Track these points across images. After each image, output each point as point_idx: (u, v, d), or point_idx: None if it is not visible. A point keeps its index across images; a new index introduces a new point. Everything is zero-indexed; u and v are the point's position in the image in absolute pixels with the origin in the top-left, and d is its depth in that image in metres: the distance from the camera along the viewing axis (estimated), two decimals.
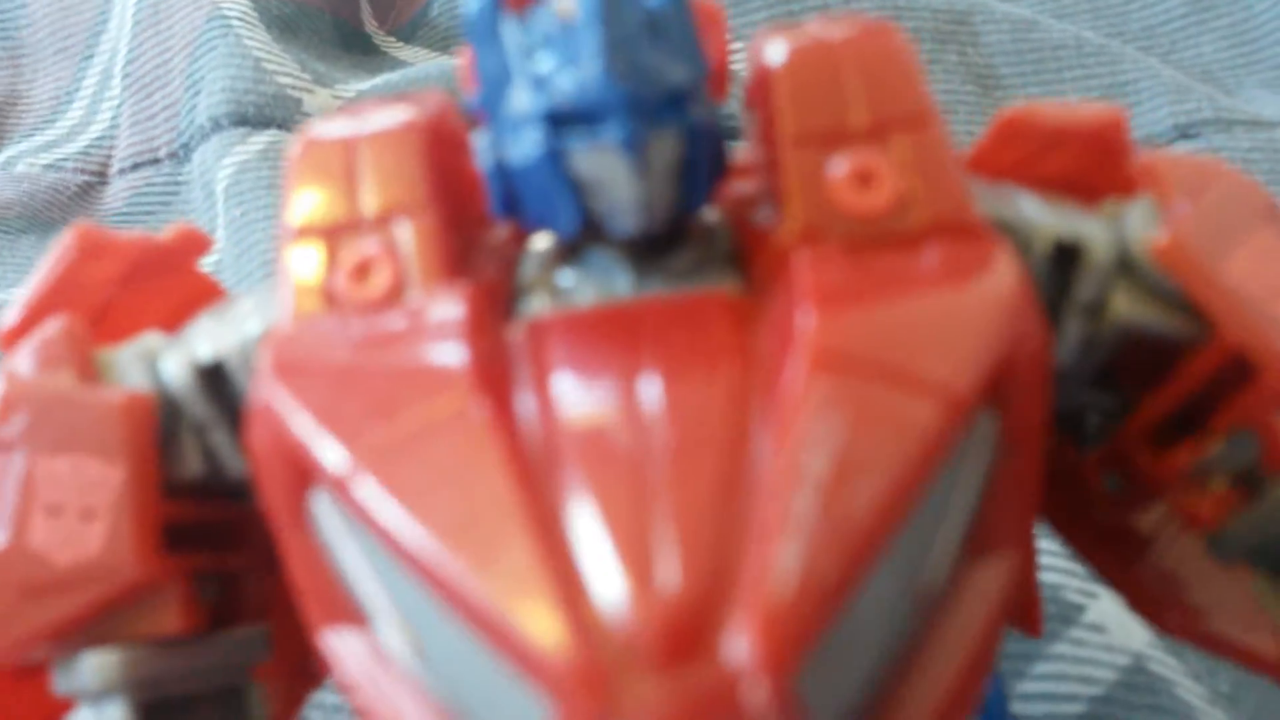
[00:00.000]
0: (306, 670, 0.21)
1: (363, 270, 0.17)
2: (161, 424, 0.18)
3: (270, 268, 0.22)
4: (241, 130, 0.42)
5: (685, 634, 0.12)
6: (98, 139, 0.47)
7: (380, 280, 0.16)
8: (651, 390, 0.14)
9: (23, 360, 0.18)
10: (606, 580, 0.12)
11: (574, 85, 0.15)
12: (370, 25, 0.49)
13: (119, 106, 0.47)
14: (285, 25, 0.45)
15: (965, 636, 0.14)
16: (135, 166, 0.45)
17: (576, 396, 0.14)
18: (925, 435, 0.13)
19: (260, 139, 0.42)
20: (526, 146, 0.16)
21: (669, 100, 0.15)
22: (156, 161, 0.45)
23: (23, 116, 0.49)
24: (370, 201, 0.17)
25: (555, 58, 0.15)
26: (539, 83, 0.15)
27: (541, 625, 0.12)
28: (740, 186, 0.18)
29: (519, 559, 0.12)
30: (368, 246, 0.17)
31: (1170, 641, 0.29)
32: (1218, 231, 0.17)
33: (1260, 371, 0.17)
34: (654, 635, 0.12)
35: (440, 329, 0.15)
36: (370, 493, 0.14)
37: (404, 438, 0.14)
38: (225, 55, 0.43)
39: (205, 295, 0.22)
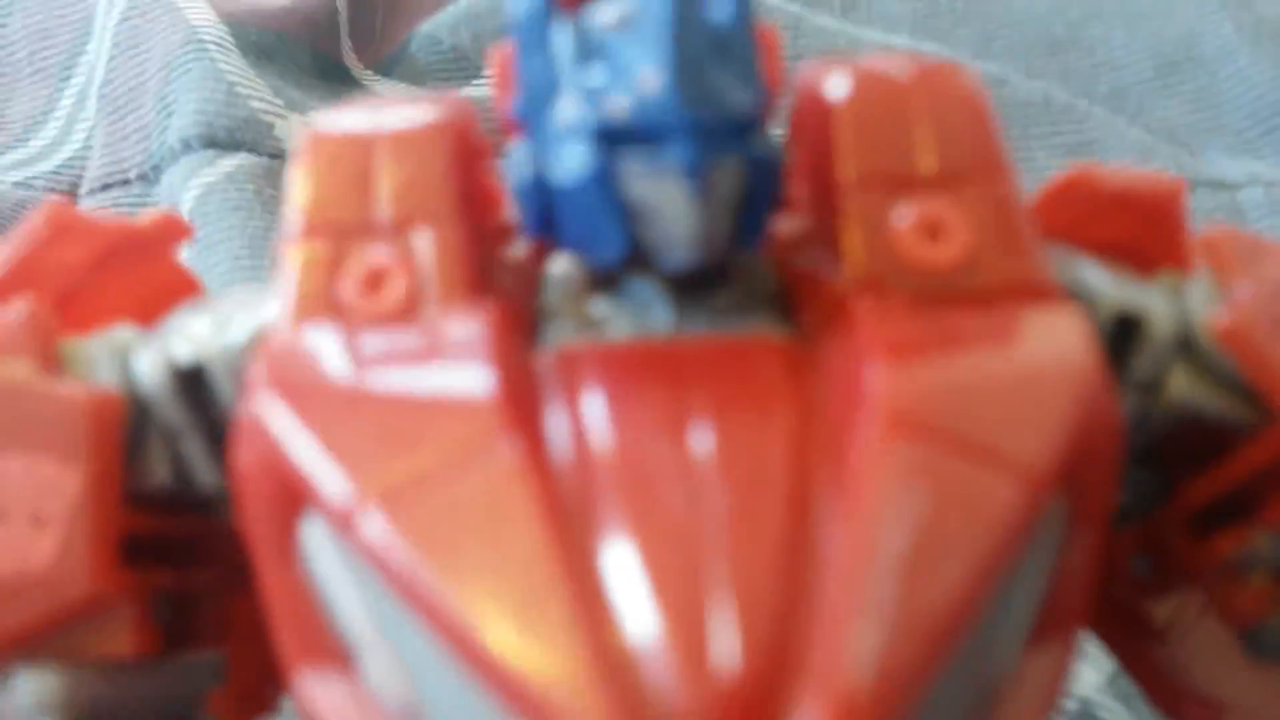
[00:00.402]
0: (259, 698, 0.20)
1: (375, 280, 0.15)
2: (129, 426, 0.16)
3: (231, 289, 0.21)
4: (210, 153, 0.42)
5: (742, 718, 0.10)
6: (70, 159, 0.47)
7: (394, 292, 0.15)
8: (701, 438, 0.13)
9: None
10: (654, 653, 0.11)
11: (634, 101, 0.14)
12: (350, 58, 0.49)
13: (93, 128, 0.47)
14: (262, 52, 0.45)
15: None
16: (105, 187, 0.45)
17: (616, 436, 0.13)
18: (1005, 515, 0.12)
19: (229, 162, 0.42)
20: (573, 163, 0.14)
21: (734, 127, 0.14)
22: (127, 183, 0.45)
23: None
24: (386, 206, 0.16)
25: (613, 69, 0.14)
26: (591, 95, 0.14)
27: (577, 700, 0.10)
28: (781, 224, 0.17)
29: (549, 612, 0.11)
30: (380, 255, 0.15)
31: (1120, 688, 0.28)
32: None
33: None
34: (706, 715, 0.10)
35: (463, 350, 0.14)
36: (380, 531, 0.12)
37: (422, 472, 0.12)
38: (199, 78, 0.43)
39: (181, 287, 0.21)
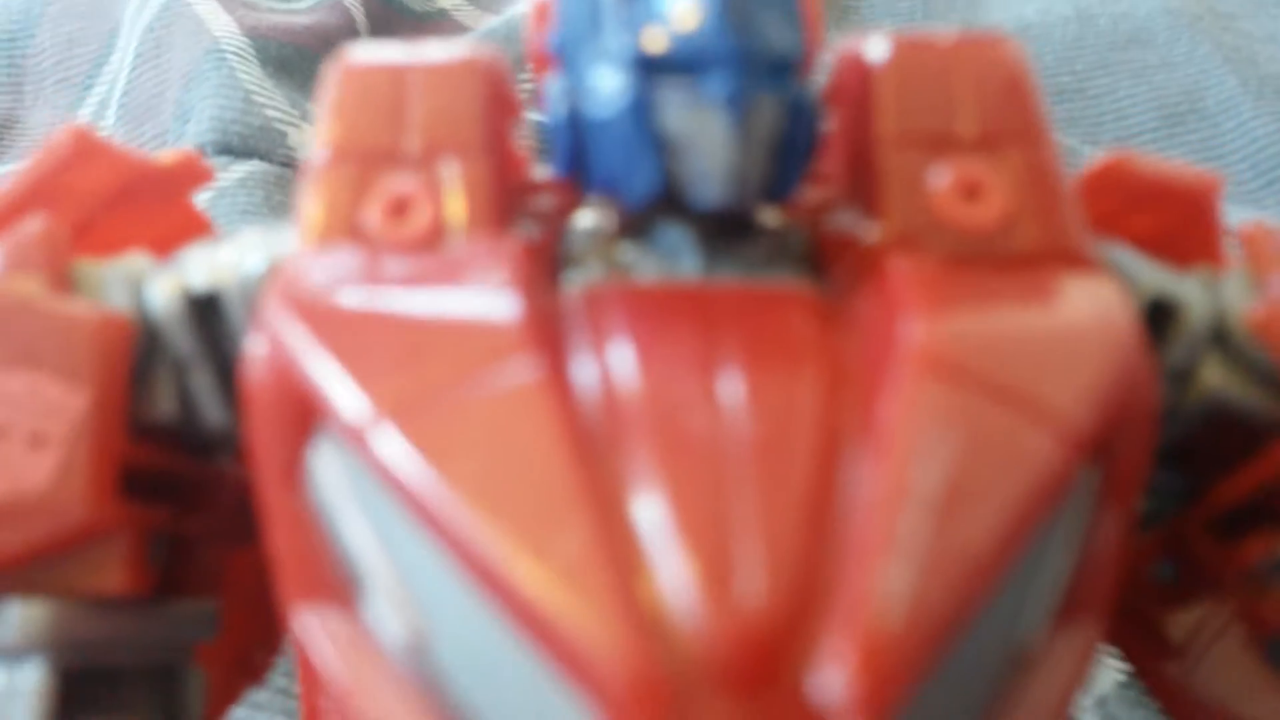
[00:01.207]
0: (249, 664, 0.19)
1: (400, 207, 0.15)
2: (137, 354, 0.16)
3: (258, 226, 0.20)
4: (224, 159, 0.43)
5: (767, 656, 0.10)
6: None
7: (419, 220, 0.14)
8: (731, 380, 0.12)
9: None
10: (677, 582, 0.10)
11: (679, 30, 0.13)
12: None
13: (111, 135, 0.48)
14: (281, 64, 0.46)
15: (1046, 711, 0.12)
16: None
17: (644, 375, 0.12)
18: (1042, 468, 0.11)
19: (241, 168, 0.43)
20: (611, 94, 0.14)
21: (775, 66, 0.14)
22: None
23: (17, 139, 0.50)
24: (416, 135, 0.15)
25: (652, 1, 0.14)
26: (633, 25, 0.14)
27: (597, 624, 0.10)
28: (809, 193, 0.17)
29: (575, 544, 0.10)
30: (407, 182, 0.15)
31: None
32: None
33: None
34: (730, 652, 0.10)
35: (487, 276, 0.13)
36: (394, 447, 0.11)
37: (441, 390, 0.12)
38: (216, 86, 0.44)
39: (196, 229, 0.20)
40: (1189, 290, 0.17)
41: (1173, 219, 0.18)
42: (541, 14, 0.16)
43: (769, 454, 0.11)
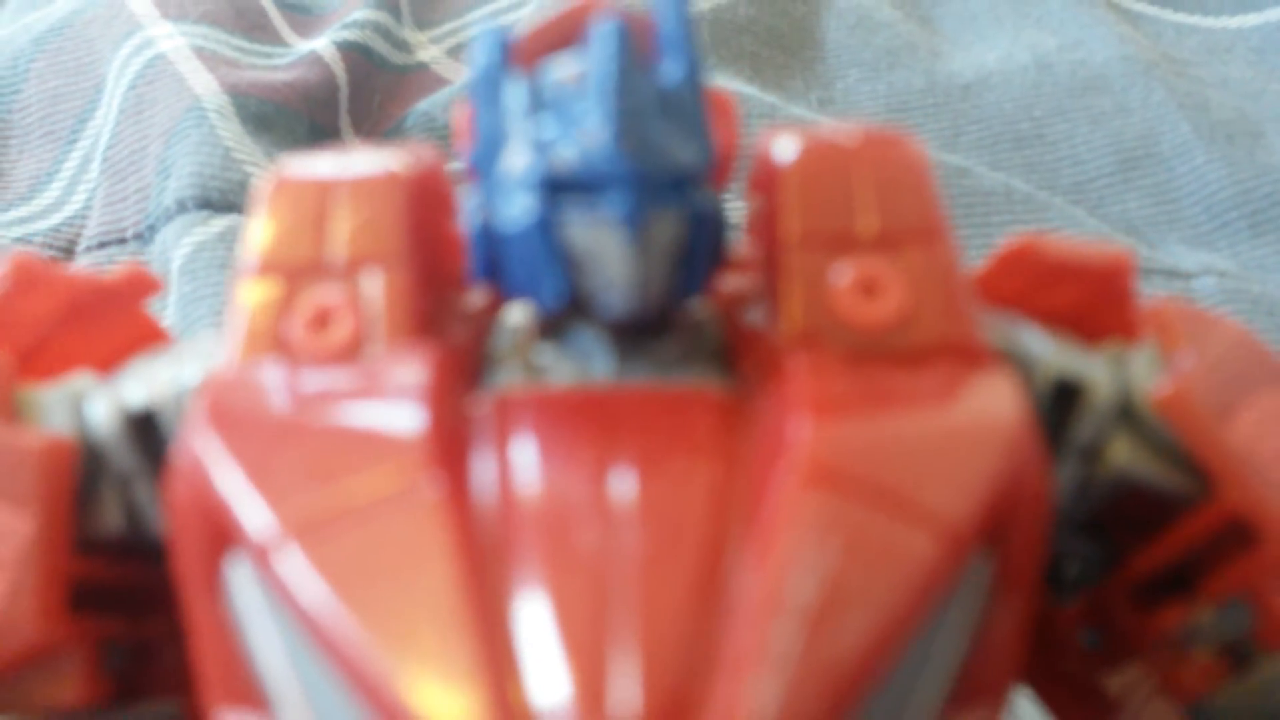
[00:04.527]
0: None
1: (321, 319, 0.15)
2: (82, 473, 0.16)
3: (200, 333, 0.21)
4: (204, 213, 0.44)
5: None
6: (70, 218, 0.49)
7: (340, 332, 0.15)
8: (624, 485, 0.13)
9: None
10: (552, 692, 0.11)
11: (578, 153, 0.14)
12: (347, 131, 0.51)
13: (94, 189, 0.49)
14: (260, 121, 0.48)
15: None
16: (102, 245, 0.47)
17: (541, 481, 0.13)
18: (920, 569, 0.12)
19: (220, 222, 0.43)
20: (518, 211, 0.15)
21: (674, 181, 0.14)
22: (123, 241, 0.47)
23: (2, 193, 0.51)
24: (340, 248, 0.16)
25: (559, 123, 0.15)
26: (540, 147, 0.15)
27: None
28: (733, 282, 0.18)
29: (455, 660, 0.11)
30: (330, 294, 0.16)
31: None
32: (1223, 388, 0.17)
33: (1261, 540, 0.16)
34: None
35: (399, 390, 0.14)
36: (295, 567, 0.12)
37: (343, 508, 0.12)
38: (197, 143, 0.45)
39: (150, 339, 0.21)
40: (1095, 369, 0.17)
41: (1086, 295, 0.19)
42: (460, 129, 0.17)
43: (653, 563, 0.12)
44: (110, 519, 0.17)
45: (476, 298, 0.18)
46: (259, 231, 0.16)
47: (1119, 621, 0.18)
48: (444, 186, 0.18)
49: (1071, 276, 0.19)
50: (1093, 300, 0.19)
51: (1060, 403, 0.17)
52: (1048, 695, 0.21)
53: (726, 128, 0.18)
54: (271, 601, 0.13)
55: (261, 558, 0.12)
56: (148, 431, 0.17)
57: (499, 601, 0.12)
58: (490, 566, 0.12)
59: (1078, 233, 0.40)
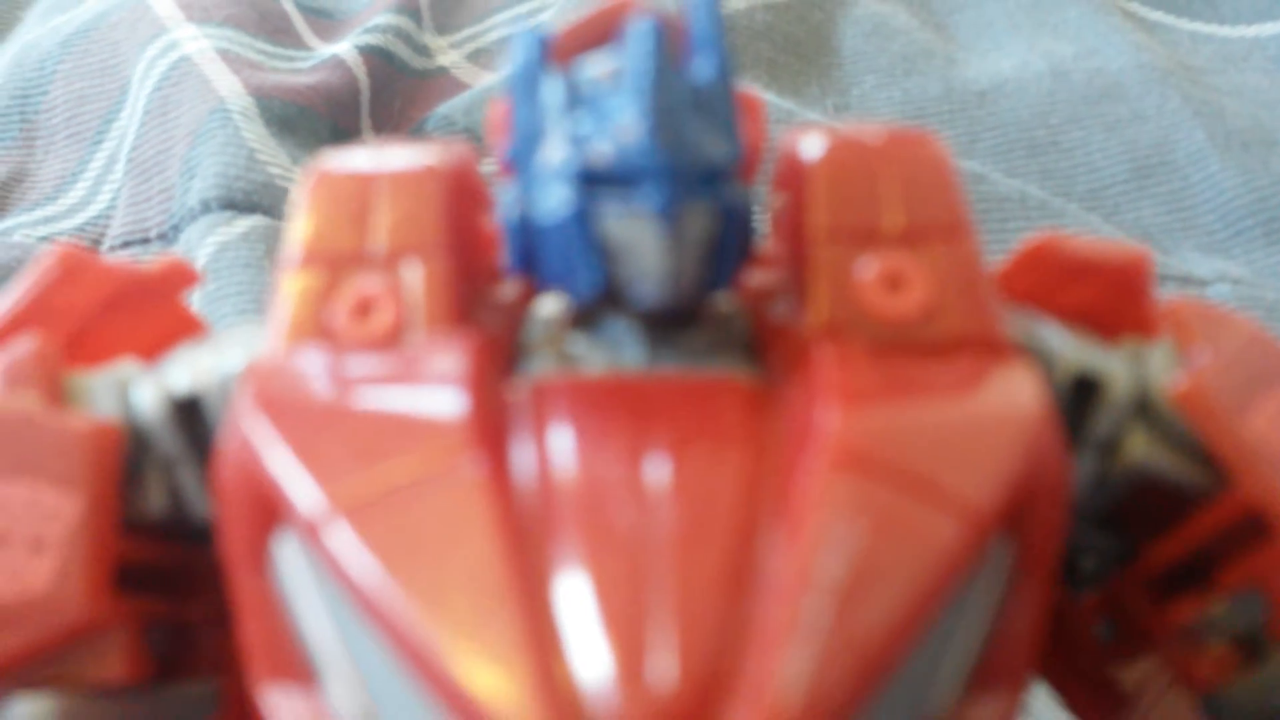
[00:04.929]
0: None
1: (364, 307, 0.16)
2: (127, 456, 0.17)
3: (241, 324, 0.21)
4: (228, 213, 0.44)
5: None
6: (94, 217, 0.50)
7: (382, 320, 0.16)
8: (658, 469, 0.13)
9: None
10: (593, 666, 0.11)
11: (614, 147, 0.14)
12: (368, 134, 0.52)
13: (119, 189, 0.50)
14: (284, 123, 0.48)
15: None
16: (126, 244, 0.48)
17: (579, 464, 0.13)
18: (945, 551, 0.12)
19: (244, 223, 0.44)
20: (555, 203, 0.15)
21: (706, 175, 0.15)
22: (146, 241, 0.47)
23: (28, 192, 0.51)
24: (381, 239, 0.16)
25: (596, 118, 0.15)
26: (576, 141, 0.15)
27: (518, 706, 0.11)
28: (758, 277, 0.18)
29: (499, 633, 0.11)
30: (372, 284, 0.16)
31: None
32: (1239, 383, 0.17)
33: (1274, 533, 0.16)
34: None
35: (439, 376, 0.14)
36: (344, 542, 0.13)
37: (389, 487, 0.13)
38: (222, 144, 0.46)
39: (188, 329, 0.21)
40: (1113, 365, 0.17)
41: (1105, 292, 0.19)
42: (497, 125, 0.17)
43: (688, 542, 0.12)
44: (155, 501, 0.17)
45: (509, 290, 0.18)
46: (302, 223, 0.17)
47: (1134, 614, 0.18)
48: (478, 182, 0.19)
49: (1090, 274, 0.19)
50: (1111, 298, 0.19)
51: (1079, 397, 0.17)
52: (1063, 689, 0.21)
53: (754, 126, 0.18)
54: (320, 577, 0.13)
55: (311, 534, 0.13)
56: (192, 417, 0.17)
57: (540, 578, 0.12)
58: (531, 544, 0.12)
59: (1111, 239, 0.41)
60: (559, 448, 0.14)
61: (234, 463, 0.14)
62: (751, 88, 0.48)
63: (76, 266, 0.19)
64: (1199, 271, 0.40)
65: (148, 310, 0.21)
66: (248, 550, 0.14)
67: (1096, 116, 0.46)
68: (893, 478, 0.13)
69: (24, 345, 0.18)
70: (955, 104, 0.48)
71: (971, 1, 0.54)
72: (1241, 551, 0.17)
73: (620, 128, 0.15)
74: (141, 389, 0.17)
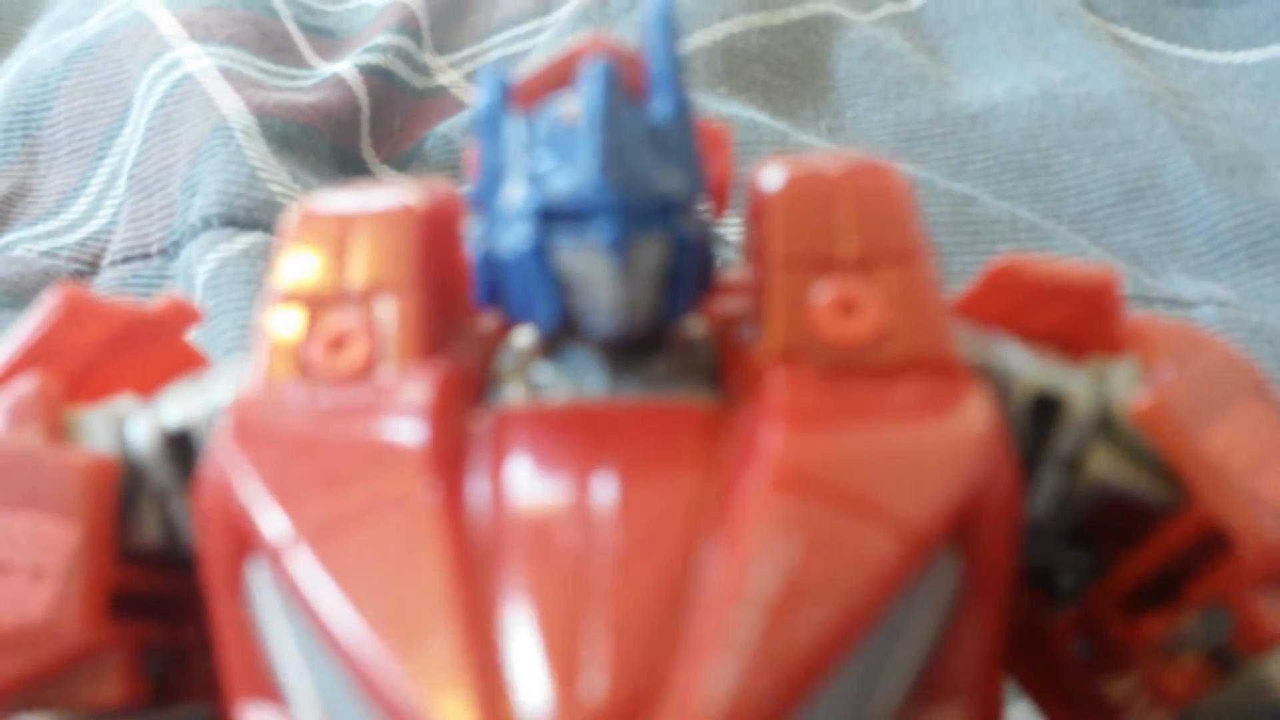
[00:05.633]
0: None
1: (339, 343, 0.17)
2: (122, 488, 0.18)
3: (225, 359, 0.22)
4: (229, 230, 0.45)
5: None
6: (95, 233, 0.50)
7: (355, 354, 0.16)
8: (606, 491, 0.14)
9: None
10: (530, 683, 0.12)
11: (568, 185, 0.15)
12: (367, 152, 0.52)
13: (120, 205, 0.50)
14: (285, 141, 0.48)
15: None
16: (126, 260, 0.48)
17: (529, 489, 0.14)
18: (879, 566, 0.13)
19: (245, 239, 0.44)
20: (515, 239, 0.16)
21: (659, 208, 0.16)
22: (147, 256, 0.48)
23: (30, 207, 0.52)
24: (357, 276, 0.17)
25: (554, 157, 0.16)
26: (535, 179, 0.16)
27: None
28: (731, 303, 0.19)
29: (443, 653, 0.12)
30: (348, 320, 0.17)
31: None
32: (1202, 400, 0.17)
33: (1236, 547, 0.16)
34: None
35: (403, 407, 0.15)
36: (305, 567, 0.13)
37: (348, 513, 0.14)
38: (223, 162, 0.46)
39: (191, 365, 0.22)
40: (1074, 383, 0.18)
41: (1072, 312, 0.19)
42: (469, 166, 0.18)
43: (628, 563, 0.13)
44: (149, 531, 0.18)
45: (488, 322, 0.19)
46: (285, 261, 0.18)
47: (1109, 630, 0.18)
48: (459, 218, 0.19)
49: (1056, 295, 0.19)
50: (1079, 318, 0.19)
51: (1041, 416, 0.18)
52: (1047, 707, 0.21)
53: (720, 158, 0.19)
54: (285, 601, 0.14)
55: (276, 559, 0.14)
56: (184, 450, 0.18)
57: (487, 601, 0.13)
58: (480, 568, 0.13)
59: (1081, 260, 0.41)
60: (513, 475, 0.14)
61: (210, 492, 0.15)
62: (746, 110, 0.48)
63: (80, 307, 0.20)
64: (1186, 294, 0.40)
65: (151, 348, 0.22)
66: (224, 576, 0.15)
67: (1086, 140, 0.47)
68: (831, 496, 0.13)
69: (27, 384, 0.19)
70: (947, 127, 0.48)
71: (964, 26, 0.54)
72: (1207, 566, 0.17)
73: (573, 166, 0.15)
74: (136, 424, 0.18)
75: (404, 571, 0.13)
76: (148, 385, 0.20)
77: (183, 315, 0.22)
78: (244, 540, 0.15)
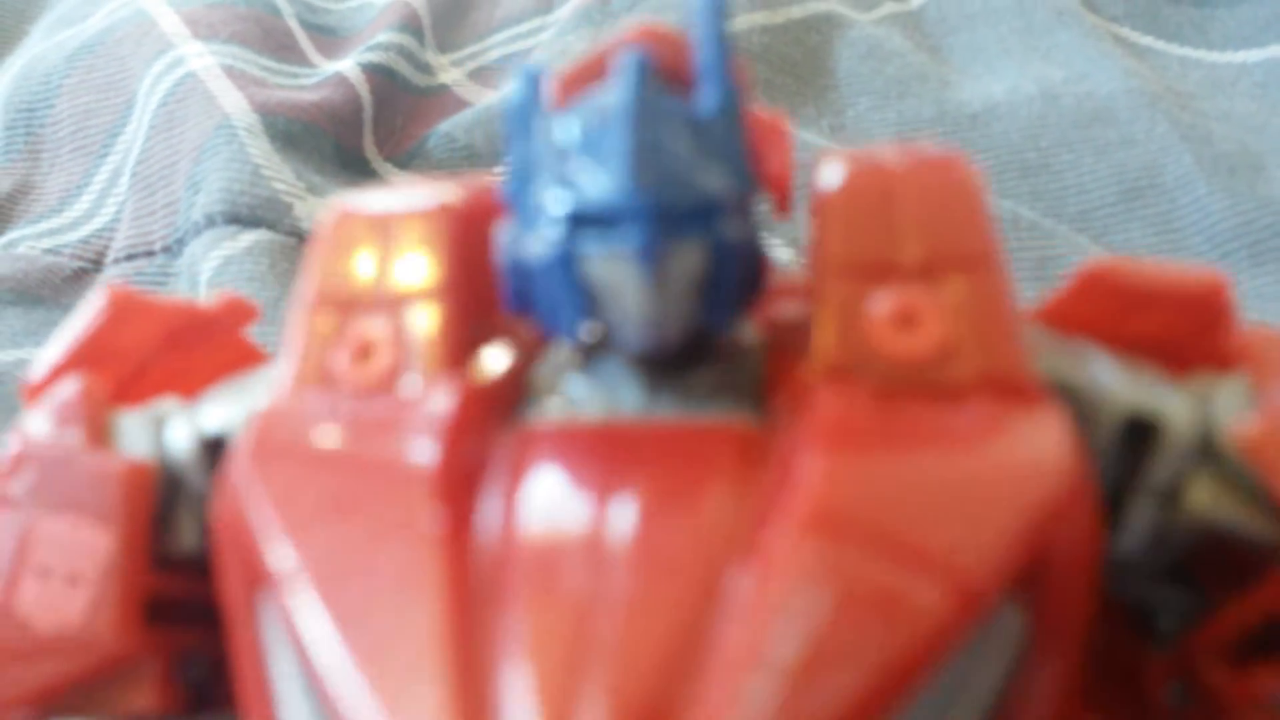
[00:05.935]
0: None
1: (364, 351, 0.16)
2: (160, 494, 0.17)
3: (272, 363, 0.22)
4: (233, 228, 0.44)
5: None
6: (98, 230, 0.50)
7: (380, 364, 0.16)
8: (623, 524, 0.13)
9: (38, 417, 0.18)
10: None
11: (595, 186, 0.14)
12: (370, 150, 0.52)
13: (124, 203, 0.51)
14: (288, 139, 0.48)
15: None
16: (130, 257, 0.48)
17: (542, 518, 0.13)
18: (925, 625, 0.11)
19: (249, 237, 0.44)
20: (542, 245, 0.15)
21: (697, 211, 0.14)
22: (150, 254, 0.48)
23: (32, 205, 0.52)
24: (390, 280, 0.16)
25: (584, 158, 0.15)
26: (565, 181, 0.15)
27: None
28: (791, 308, 0.17)
29: (430, 703, 0.11)
30: (376, 326, 0.16)
31: None
32: None
33: None
34: None
35: (421, 424, 0.14)
36: (302, 601, 0.12)
37: (351, 543, 0.13)
38: (227, 160, 0.46)
39: (250, 362, 0.22)
40: (1173, 404, 0.16)
41: (1175, 321, 0.17)
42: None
43: (637, 611, 0.11)
44: (187, 538, 0.18)
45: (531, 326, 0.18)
46: (317, 264, 0.17)
47: (1208, 679, 0.16)
48: (497, 215, 0.18)
49: (1155, 301, 0.17)
50: (1182, 328, 0.17)
51: (1135, 440, 0.16)
52: None
53: (780, 151, 0.18)
54: (287, 634, 0.13)
55: (279, 590, 0.13)
56: (221, 454, 0.18)
57: (483, 641, 0.12)
58: (481, 606, 0.12)
59: (1081, 259, 0.39)
60: (528, 501, 0.13)
61: (224, 512, 0.14)
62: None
63: (128, 308, 0.20)
64: None
65: (209, 346, 0.22)
66: (240, 602, 0.14)
67: (1086, 140, 0.45)
68: (873, 540, 0.12)
69: (71, 385, 0.18)
70: (948, 126, 0.48)
71: (965, 26, 0.54)
72: None
73: (602, 166, 0.14)
74: (175, 428, 0.18)
75: (399, 609, 0.12)
76: (205, 383, 0.20)
77: (239, 312, 0.22)
78: (256, 569, 0.14)
